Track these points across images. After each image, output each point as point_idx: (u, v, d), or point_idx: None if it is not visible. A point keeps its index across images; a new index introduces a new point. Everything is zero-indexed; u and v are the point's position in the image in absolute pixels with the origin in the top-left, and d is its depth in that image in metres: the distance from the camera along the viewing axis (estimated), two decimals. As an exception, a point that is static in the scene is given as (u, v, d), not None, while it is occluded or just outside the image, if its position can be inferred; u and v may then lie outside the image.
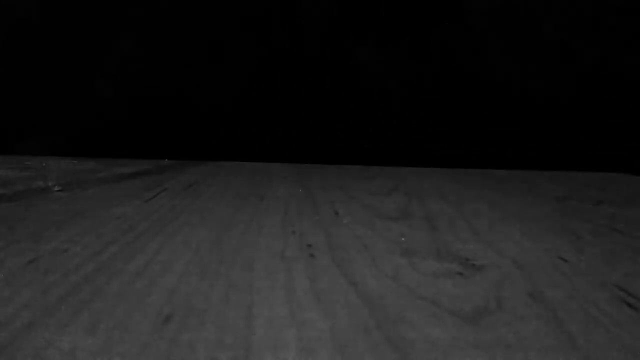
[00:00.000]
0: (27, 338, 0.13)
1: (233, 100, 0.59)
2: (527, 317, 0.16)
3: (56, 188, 0.35)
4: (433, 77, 0.55)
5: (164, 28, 0.62)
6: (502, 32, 0.54)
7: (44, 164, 0.49)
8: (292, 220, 0.28)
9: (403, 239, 0.25)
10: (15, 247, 0.21)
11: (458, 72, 0.55)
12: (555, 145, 0.55)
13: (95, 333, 0.14)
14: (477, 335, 0.14)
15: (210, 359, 0.13)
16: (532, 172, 0.56)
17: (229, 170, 0.52)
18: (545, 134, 0.55)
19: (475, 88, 0.55)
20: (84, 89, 0.62)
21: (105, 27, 0.61)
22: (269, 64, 0.58)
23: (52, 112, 0.62)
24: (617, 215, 0.33)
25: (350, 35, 0.56)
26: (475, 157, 0.52)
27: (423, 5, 0.55)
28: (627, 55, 0.53)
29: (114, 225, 0.25)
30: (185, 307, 0.16)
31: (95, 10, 0.61)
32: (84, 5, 0.60)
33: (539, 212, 0.34)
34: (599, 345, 0.14)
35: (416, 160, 0.59)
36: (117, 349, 0.13)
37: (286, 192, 0.38)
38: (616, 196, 0.39)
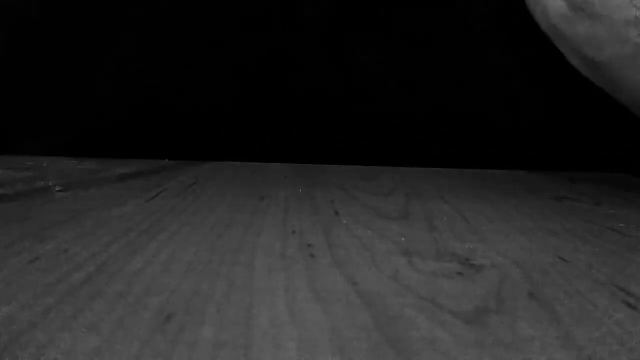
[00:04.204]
0: (27, 338, 0.13)
1: (233, 100, 0.59)
2: (527, 317, 0.16)
3: (56, 188, 0.35)
4: (433, 76, 0.55)
5: (164, 28, 0.62)
6: (501, 27, 0.54)
7: (44, 164, 0.49)
8: (292, 220, 0.28)
9: (403, 239, 0.25)
10: (15, 247, 0.21)
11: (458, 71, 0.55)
12: (555, 145, 0.55)
13: (96, 333, 0.14)
14: (477, 335, 0.14)
15: (210, 359, 0.13)
16: (532, 172, 0.56)
17: (229, 170, 0.52)
18: (546, 134, 0.55)
19: (475, 88, 0.55)
20: (84, 89, 0.62)
21: (106, 27, 0.61)
22: (269, 63, 0.58)
23: (52, 112, 0.62)
24: (617, 215, 0.33)
25: (351, 35, 0.56)
26: (475, 157, 0.52)
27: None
28: None
29: (114, 225, 0.25)
30: (185, 307, 0.16)
31: (96, 10, 0.61)
32: (84, 5, 0.60)
33: (539, 212, 0.34)
34: (599, 345, 0.14)
35: (416, 160, 0.59)
36: (117, 349, 0.13)
37: (286, 192, 0.38)
38: (616, 196, 0.39)
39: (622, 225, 0.30)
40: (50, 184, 0.37)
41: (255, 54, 0.57)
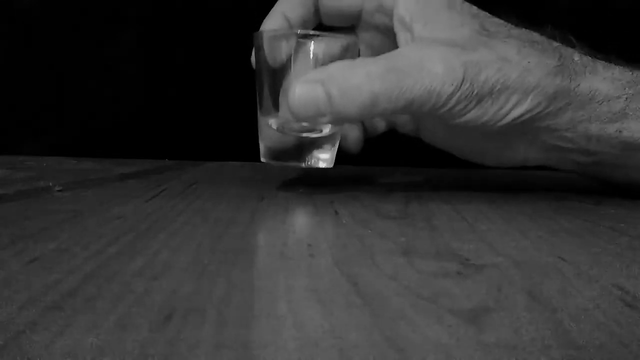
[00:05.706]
0: (27, 338, 0.13)
1: (233, 99, 0.59)
2: (527, 317, 0.16)
3: (56, 188, 0.35)
4: None
5: (164, 27, 0.62)
6: None
7: (44, 164, 0.49)
8: (292, 220, 0.28)
9: (403, 238, 0.25)
10: (15, 247, 0.21)
11: None
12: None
13: (96, 333, 0.14)
14: (477, 335, 0.14)
15: (210, 359, 0.13)
16: (532, 172, 0.56)
17: (229, 170, 0.52)
18: None
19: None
20: (84, 89, 0.62)
21: (105, 27, 0.61)
22: None
23: (52, 112, 0.62)
24: (617, 215, 0.33)
25: None
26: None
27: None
28: None
29: (114, 225, 0.25)
30: (185, 307, 0.16)
31: (96, 9, 0.61)
32: (84, 5, 0.61)
33: (539, 211, 0.34)
34: (599, 345, 0.14)
35: (416, 160, 0.59)
36: (117, 349, 0.13)
37: (286, 192, 0.38)
38: (616, 196, 0.39)
39: (622, 225, 0.30)
40: (50, 184, 0.37)
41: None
